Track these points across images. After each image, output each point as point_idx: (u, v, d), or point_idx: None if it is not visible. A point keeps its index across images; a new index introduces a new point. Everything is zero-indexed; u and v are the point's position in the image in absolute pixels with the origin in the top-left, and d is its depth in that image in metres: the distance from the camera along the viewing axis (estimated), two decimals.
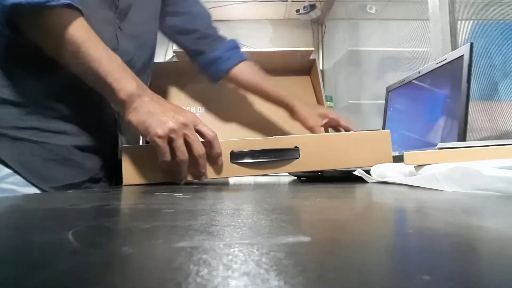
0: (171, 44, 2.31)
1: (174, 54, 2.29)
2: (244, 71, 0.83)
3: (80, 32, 0.48)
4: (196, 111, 1.01)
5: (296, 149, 0.55)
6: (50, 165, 0.53)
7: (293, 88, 0.88)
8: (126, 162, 0.54)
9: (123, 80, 0.50)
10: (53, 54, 0.50)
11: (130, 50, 0.62)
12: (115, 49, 0.58)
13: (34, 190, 0.51)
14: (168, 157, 0.50)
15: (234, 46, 0.85)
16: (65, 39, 0.47)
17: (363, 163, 0.55)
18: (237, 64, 0.83)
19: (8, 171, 0.50)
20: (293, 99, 0.83)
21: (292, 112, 0.83)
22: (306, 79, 1.07)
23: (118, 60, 0.51)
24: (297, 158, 0.55)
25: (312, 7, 2.26)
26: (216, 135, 0.53)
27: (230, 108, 0.99)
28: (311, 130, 0.78)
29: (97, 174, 0.59)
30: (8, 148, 0.50)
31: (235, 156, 0.55)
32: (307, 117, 0.80)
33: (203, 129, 0.53)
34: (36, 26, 0.48)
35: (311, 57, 1.08)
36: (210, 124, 0.99)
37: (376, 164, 0.49)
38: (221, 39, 0.84)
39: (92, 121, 0.58)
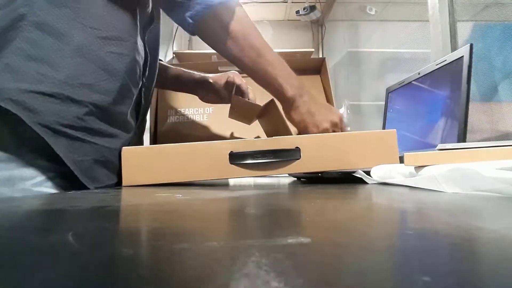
0: (171, 44, 2.32)
1: (174, 55, 2.30)
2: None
3: (258, 36, 0.62)
4: (204, 112, 1.01)
5: (297, 150, 0.55)
6: (97, 166, 0.54)
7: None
8: (126, 163, 0.54)
9: (290, 81, 0.61)
10: (234, 59, 0.61)
11: (152, 61, 0.66)
12: (146, 61, 0.63)
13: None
14: None
15: None
16: (249, 44, 0.60)
17: (368, 164, 0.53)
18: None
19: (43, 177, 0.50)
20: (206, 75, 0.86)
21: (208, 84, 0.85)
22: (316, 78, 1.07)
23: (284, 63, 0.62)
24: (298, 159, 0.55)
25: (312, 8, 2.26)
26: None
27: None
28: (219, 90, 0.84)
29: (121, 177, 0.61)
30: (65, 146, 0.51)
31: (235, 157, 0.54)
32: (217, 79, 0.85)
33: (346, 129, 0.65)
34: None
35: (320, 56, 1.08)
36: (217, 125, 1.00)
37: (382, 165, 0.49)
38: None
39: (127, 124, 0.61)
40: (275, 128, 0.74)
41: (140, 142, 0.73)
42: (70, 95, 0.51)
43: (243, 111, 0.81)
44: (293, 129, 0.91)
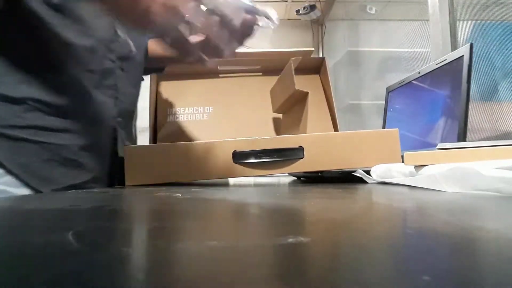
0: None
1: None
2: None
3: None
4: (204, 111, 1.01)
5: (301, 149, 0.55)
6: (51, 166, 0.51)
7: (302, 87, 0.88)
8: (128, 162, 0.53)
9: None
10: None
11: (127, 42, 0.60)
12: (113, 41, 0.57)
13: (26, 191, 0.50)
14: None
15: None
16: None
17: (371, 163, 0.53)
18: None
19: (0, 171, 0.48)
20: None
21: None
22: (315, 78, 1.07)
23: None
24: (302, 158, 0.55)
25: (312, 7, 2.26)
26: None
27: (238, 108, 0.99)
28: None
29: (98, 174, 0.58)
30: (6, 148, 0.48)
31: (238, 156, 0.54)
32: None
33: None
34: None
35: (320, 56, 1.08)
36: (218, 124, 0.99)
37: (381, 164, 0.49)
38: None
39: (92, 117, 0.56)
40: (295, 123, 0.74)
41: (130, 134, 0.68)
42: (4, 92, 0.48)
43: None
44: (305, 130, 0.90)
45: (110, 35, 0.57)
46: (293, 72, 0.75)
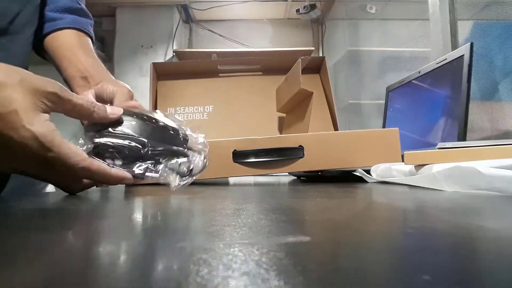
0: (171, 43, 2.32)
1: (174, 54, 2.30)
2: (61, 40, 0.56)
3: None
4: (204, 110, 1.01)
5: (301, 148, 0.55)
6: None
7: (302, 86, 0.88)
8: None
9: None
10: None
11: (9, 9, 0.48)
12: None
13: None
14: None
15: (70, 8, 0.58)
16: None
17: (371, 162, 0.53)
18: (58, 30, 0.56)
19: None
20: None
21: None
22: (315, 77, 1.07)
23: None
24: (302, 157, 0.55)
25: (312, 7, 2.26)
26: None
27: (238, 107, 0.98)
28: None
29: None
30: None
31: (238, 156, 0.54)
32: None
33: None
34: None
35: (320, 55, 1.08)
36: (217, 123, 0.99)
37: (381, 163, 0.49)
38: None
39: None
40: (297, 122, 0.74)
41: None
42: None
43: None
44: (303, 129, 0.91)
45: None
46: (300, 72, 0.75)
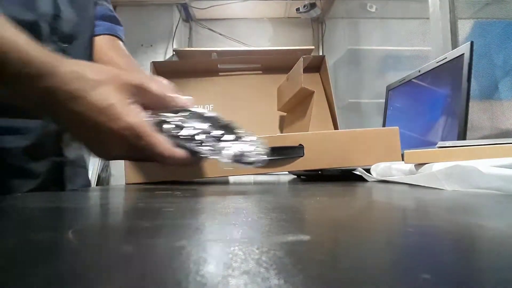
0: (171, 42, 2.32)
1: (174, 53, 2.30)
2: (99, 45, 0.61)
3: None
4: (204, 109, 1.01)
5: (301, 147, 0.54)
6: None
7: (302, 85, 0.88)
8: (128, 161, 0.53)
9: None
10: None
11: (72, 17, 0.51)
12: (56, 16, 0.48)
13: None
14: None
15: (105, 15, 0.64)
16: None
17: (371, 161, 0.53)
18: (96, 36, 0.61)
19: None
20: None
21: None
22: (315, 76, 1.07)
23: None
24: (302, 156, 0.54)
25: (312, 5, 2.26)
26: None
27: (239, 106, 0.98)
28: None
29: (45, 180, 0.49)
30: None
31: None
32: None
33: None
34: None
35: (320, 54, 1.08)
36: None
37: (381, 162, 0.49)
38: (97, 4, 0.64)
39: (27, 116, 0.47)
40: (297, 121, 0.74)
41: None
42: None
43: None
44: (303, 128, 0.91)
45: (52, 9, 0.48)
46: (302, 71, 0.75)
